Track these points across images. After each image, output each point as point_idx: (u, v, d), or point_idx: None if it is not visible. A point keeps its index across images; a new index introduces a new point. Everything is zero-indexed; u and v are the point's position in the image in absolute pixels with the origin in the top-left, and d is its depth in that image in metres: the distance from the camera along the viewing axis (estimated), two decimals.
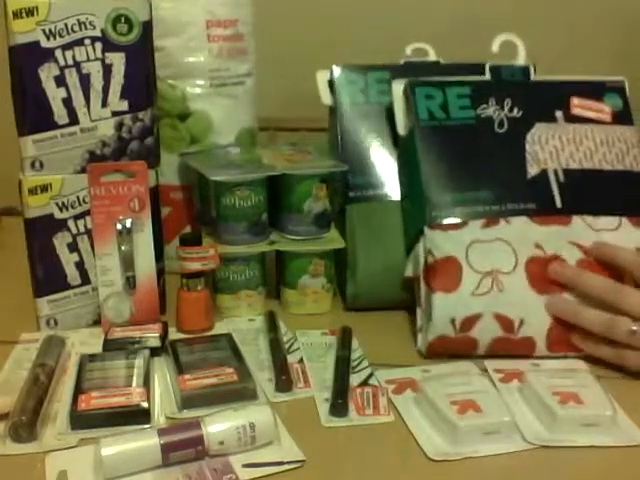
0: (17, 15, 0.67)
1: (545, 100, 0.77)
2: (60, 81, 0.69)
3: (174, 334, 0.73)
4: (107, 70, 0.71)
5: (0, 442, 0.56)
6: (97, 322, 0.75)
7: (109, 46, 0.70)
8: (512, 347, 0.68)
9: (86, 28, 0.69)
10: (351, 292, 0.79)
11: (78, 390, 0.60)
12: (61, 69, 0.69)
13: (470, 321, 0.67)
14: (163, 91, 0.83)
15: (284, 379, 0.64)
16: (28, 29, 0.67)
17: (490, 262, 0.68)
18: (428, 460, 0.55)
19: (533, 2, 1.54)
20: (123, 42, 0.71)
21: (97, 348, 0.69)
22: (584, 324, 0.65)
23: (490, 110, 0.75)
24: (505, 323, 0.67)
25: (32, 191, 0.71)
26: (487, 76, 0.78)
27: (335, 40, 1.49)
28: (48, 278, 0.73)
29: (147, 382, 0.62)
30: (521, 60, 0.80)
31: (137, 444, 0.52)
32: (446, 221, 0.71)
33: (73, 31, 0.69)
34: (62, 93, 0.70)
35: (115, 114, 0.72)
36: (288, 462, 0.54)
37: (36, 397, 0.59)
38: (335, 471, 0.54)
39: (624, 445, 0.56)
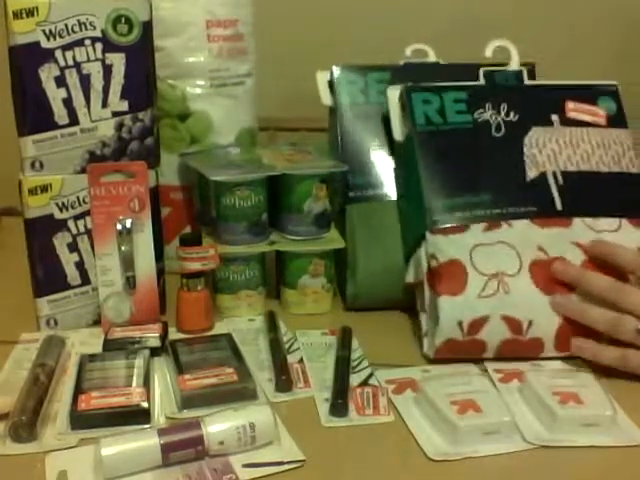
0: (17, 15, 0.67)
1: (540, 104, 0.77)
2: (60, 81, 0.69)
3: (174, 334, 0.73)
4: (107, 70, 0.71)
5: (0, 442, 0.56)
6: (97, 322, 0.75)
7: (109, 46, 0.70)
8: (520, 349, 0.67)
9: (86, 28, 0.69)
10: (351, 292, 0.79)
11: (78, 390, 0.60)
12: (61, 69, 0.69)
13: (478, 324, 0.66)
14: (163, 91, 0.83)
15: (284, 379, 0.64)
16: (28, 29, 0.67)
17: (495, 264, 0.68)
18: (428, 460, 0.55)
19: (533, 2, 1.54)
20: (123, 42, 0.71)
21: (97, 348, 0.69)
22: (589, 322, 0.65)
23: (487, 114, 0.76)
24: (513, 325, 0.67)
25: (32, 191, 0.71)
26: (481, 81, 0.78)
27: (335, 40, 1.49)
28: (48, 278, 0.73)
29: (147, 382, 0.62)
30: (514, 65, 0.80)
31: (137, 444, 0.52)
32: (447, 225, 0.71)
33: (73, 31, 0.69)
34: (62, 93, 0.70)
35: (115, 114, 0.72)
36: (288, 462, 0.54)
37: (36, 397, 0.59)
38: (335, 471, 0.54)
39: (624, 445, 0.56)
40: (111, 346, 0.69)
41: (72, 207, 0.72)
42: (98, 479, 0.52)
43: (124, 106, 0.72)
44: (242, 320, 0.78)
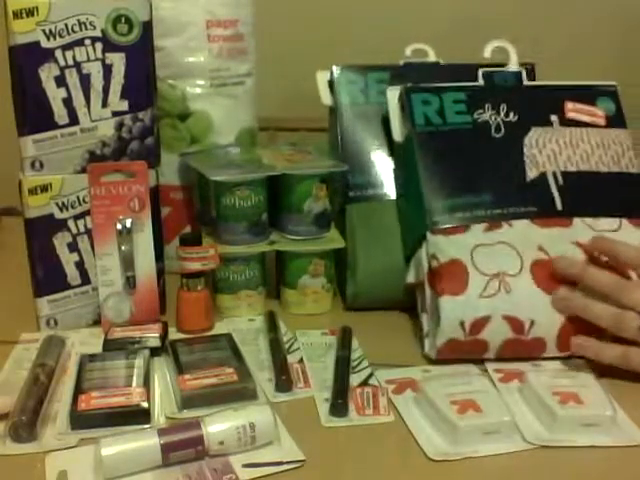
0: (17, 15, 0.67)
1: (540, 105, 0.77)
2: (60, 81, 0.69)
3: (174, 334, 0.73)
4: (107, 70, 0.71)
5: (0, 442, 0.56)
6: (97, 322, 0.75)
7: (109, 46, 0.70)
8: (522, 348, 0.67)
9: (86, 28, 0.69)
10: (351, 292, 0.79)
11: (78, 390, 0.60)
12: (61, 69, 0.69)
13: (479, 323, 0.66)
14: (163, 91, 0.83)
15: (284, 379, 0.64)
16: (28, 29, 0.67)
17: (496, 265, 0.68)
18: (428, 460, 0.54)
19: (533, 2, 1.54)
20: (123, 42, 0.71)
21: (97, 348, 0.69)
22: (592, 317, 0.65)
23: (486, 115, 0.76)
24: (515, 324, 0.66)
25: (32, 191, 0.71)
26: (480, 82, 0.78)
27: (335, 40, 1.49)
28: (48, 278, 0.73)
29: (147, 382, 0.62)
30: (513, 65, 0.80)
31: (137, 444, 0.52)
32: (447, 226, 0.71)
33: (73, 31, 0.69)
34: (62, 93, 0.70)
35: (115, 114, 0.72)
36: (288, 462, 0.54)
37: (36, 397, 0.59)
38: (335, 471, 0.54)
39: (624, 445, 0.56)
40: (111, 346, 0.69)
41: (72, 207, 0.72)
42: (98, 479, 0.52)
43: (124, 106, 0.72)
44: (242, 320, 0.78)
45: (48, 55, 0.68)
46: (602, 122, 0.77)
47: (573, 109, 0.77)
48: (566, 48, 1.48)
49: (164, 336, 0.71)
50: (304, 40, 1.51)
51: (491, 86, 0.78)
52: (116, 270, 0.73)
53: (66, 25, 0.68)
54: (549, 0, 1.55)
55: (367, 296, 0.79)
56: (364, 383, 0.65)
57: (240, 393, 0.61)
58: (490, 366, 0.67)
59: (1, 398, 0.59)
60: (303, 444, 0.56)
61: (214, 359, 0.65)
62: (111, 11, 0.70)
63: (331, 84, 0.84)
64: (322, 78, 0.85)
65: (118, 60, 0.71)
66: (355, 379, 0.65)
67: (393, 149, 0.81)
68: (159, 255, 0.75)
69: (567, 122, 0.77)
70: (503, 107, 0.76)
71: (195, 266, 0.73)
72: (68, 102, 0.70)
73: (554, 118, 0.77)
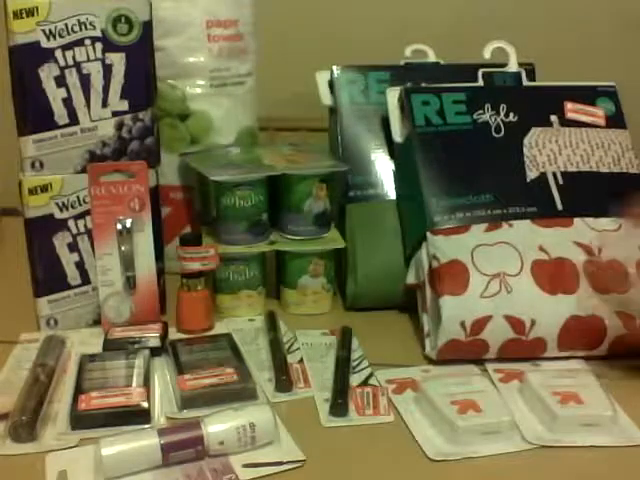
0: (17, 15, 0.67)
1: (539, 105, 0.77)
2: (60, 81, 0.69)
3: (174, 334, 0.73)
4: (107, 70, 0.71)
5: (0, 442, 0.56)
6: (97, 322, 0.75)
7: (109, 46, 0.70)
8: (523, 348, 0.67)
9: (86, 28, 0.69)
10: (351, 292, 0.79)
11: (78, 390, 0.60)
12: (61, 69, 0.69)
13: (480, 323, 0.66)
14: (163, 91, 0.83)
15: (284, 379, 0.64)
16: (28, 29, 0.67)
17: (496, 265, 0.68)
18: (428, 460, 0.55)
19: (533, 2, 1.54)
20: (123, 42, 0.71)
21: (97, 348, 0.69)
22: None
23: (486, 115, 0.76)
24: (516, 324, 0.66)
25: (32, 191, 0.71)
26: (480, 82, 0.78)
27: (335, 40, 1.49)
28: (48, 278, 0.73)
29: (147, 382, 0.62)
30: (513, 66, 0.80)
31: (137, 444, 0.52)
32: (447, 226, 0.71)
33: (73, 31, 0.69)
34: (62, 93, 0.70)
35: (115, 114, 0.72)
36: (288, 462, 0.54)
37: (36, 397, 0.59)
38: (335, 471, 0.54)
39: (624, 445, 0.56)
40: (111, 346, 0.69)
41: (72, 207, 0.72)
42: (98, 479, 0.52)
43: (124, 106, 0.72)
44: (242, 320, 0.78)
45: (48, 55, 0.68)
46: (602, 122, 0.77)
47: (573, 109, 0.77)
48: (566, 48, 1.48)
49: (164, 336, 0.71)
50: (304, 40, 1.51)
51: (491, 86, 0.79)
52: (116, 270, 0.73)
53: (66, 25, 0.68)
54: (549, 0, 1.54)
55: (367, 296, 0.79)
56: (364, 383, 0.65)
57: (240, 393, 0.61)
58: (490, 366, 0.67)
59: (1, 398, 0.59)
60: (303, 444, 0.56)
61: (214, 359, 0.65)
62: (111, 11, 0.70)
63: (331, 84, 0.84)
64: (322, 78, 0.85)
65: (118, 60, 0.71)
66: (355, 379, 0.65)
67: (393, 149, 0.81)
68: (159, 255, 0.75)
69: (567, 122, 0.77)
70: (503, 107, 0.76)
71: (195, 266, 0.73)
72: (68, 102, 0.70)
73: (554, 118, 0.77)
